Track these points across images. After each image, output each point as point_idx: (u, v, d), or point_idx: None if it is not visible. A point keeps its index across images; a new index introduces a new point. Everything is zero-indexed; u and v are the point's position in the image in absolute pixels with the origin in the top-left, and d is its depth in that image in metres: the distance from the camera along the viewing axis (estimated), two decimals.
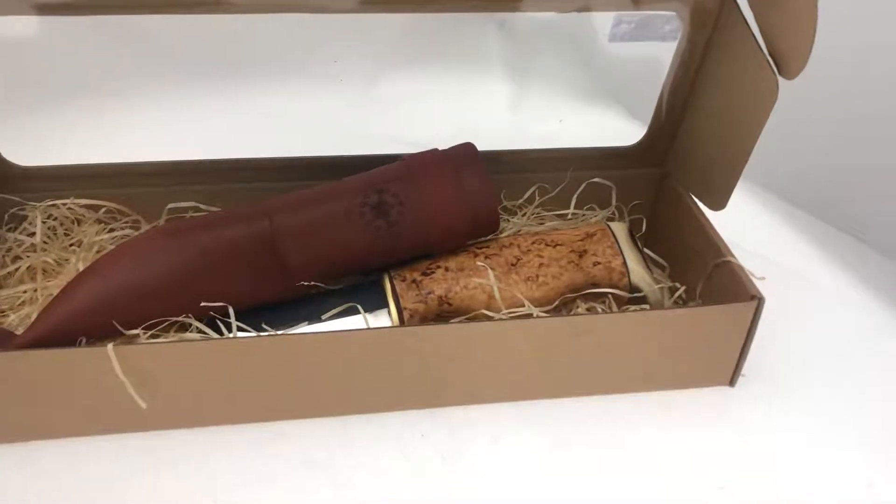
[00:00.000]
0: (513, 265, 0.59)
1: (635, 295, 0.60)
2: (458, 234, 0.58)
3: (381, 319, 0.57)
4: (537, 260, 0.59)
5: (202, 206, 0.64)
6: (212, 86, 0.77)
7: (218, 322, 0.53)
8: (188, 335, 0.53)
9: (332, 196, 0.56)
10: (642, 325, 0.54)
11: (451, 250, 0.59)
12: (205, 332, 0.53)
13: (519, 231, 0.67)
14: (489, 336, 0.52)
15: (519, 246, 0.60)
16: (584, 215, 0.69)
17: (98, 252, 0.61)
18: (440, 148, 0.60)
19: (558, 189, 0.68)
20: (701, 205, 0.64)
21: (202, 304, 0.53)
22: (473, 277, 0.58)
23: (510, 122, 0.93)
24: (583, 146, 0.67)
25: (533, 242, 0.60)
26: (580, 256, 0.60)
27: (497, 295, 0.55)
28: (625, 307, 0.60)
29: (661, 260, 0.65)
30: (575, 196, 0.68)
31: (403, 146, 0.62)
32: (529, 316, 0.56)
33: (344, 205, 0.56)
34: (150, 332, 0.53)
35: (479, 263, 0.58)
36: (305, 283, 0.56)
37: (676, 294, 0.62)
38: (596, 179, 0.67)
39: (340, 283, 0.59)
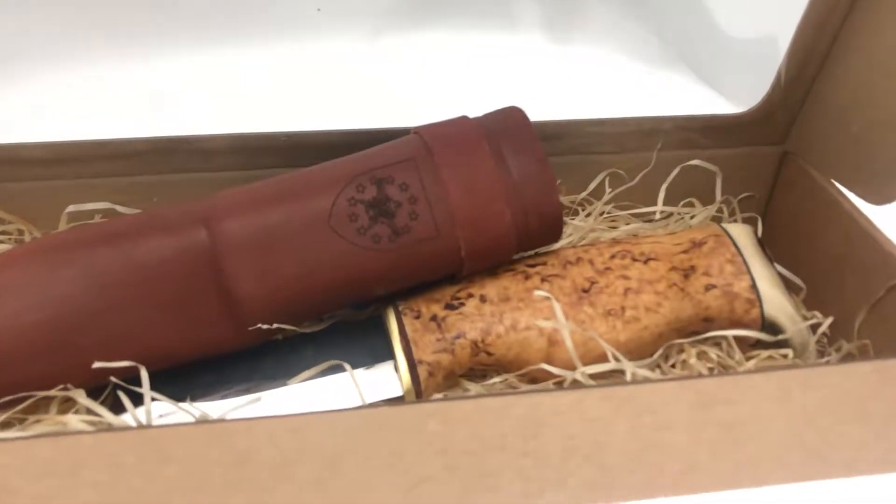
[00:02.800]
0: (585, 291, 0.40)
1: (778, 338, 0.41)
2: (502, 244, 0.39)
3: (384, 378, 0.39)
4: (621, 283, 0.40)
5: (118, 209, 0.45)
6: (137, 33, 0.58)
7: (120, 394, 0.35)
8: (69, 419, 0.34)
9: (305, 190, 0.38)
10: (801, 389, 0.35)
11: (490, 269, 0.41)
12: (96, 413, 0.34)
13: (583, 238, 0.48)
14: (559, 413, 0.33)
15: (592, 262, 0.41)
16: (679, 215, 0.49)
17: None
18: (470, 116, 0.41)
19: (640, 176, 0.49)
20: (853, 197, 0.45)
21: (95, 364, 0.34)
22: (525, 312, 0.39)
23: (555, 88, 0.72)
24: (672, 114, 0.48)
25: (612, 256, 0.41)
26: (685, 277, 0.41)
27: (568, 341, 0.36)
28: (754, 354, 0.41)
29: (796, 279, 0.46)
30: (664, 186, 0.49)
31: (410, 120, 0.44)
32: (620, 376, 0.37)
33: (324, 203, 0.37)
34: (4, 415, 0.34)
35: (539, 291, 0.39)
36: (264, 327, 0.37)
37: (820, 330, 0.43)
38: (695, 162, 0.48)
39: (319, 321, 0.41)
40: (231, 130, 0.45)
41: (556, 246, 0.44)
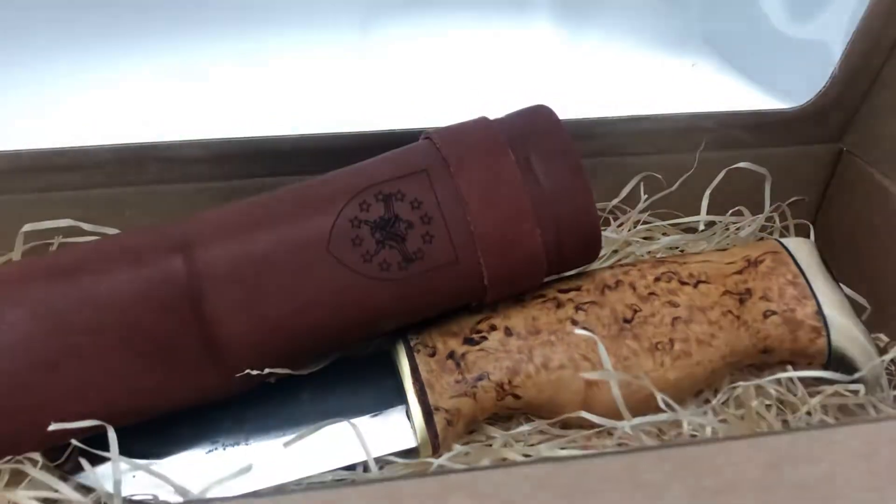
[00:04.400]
0: (627, 322, 0.35)
1: (854, 377, 0.35)
2: (532, 269, 0.34)
3: (394, 427, 0.34)
4: (669, 312, 0.35)
5: (84, 227, 0.39)
6: (98, 24, 0.51)
7: (81, 461, 0.29)
8: (20, 497, 0.29)
9: (299, 209, 0.32)
10: (890, 445, 0.30)
11: (515, 295, 0.35)
12: (51, 487, 0.29)
13: (616, 252, 0.43)
14: (607, 479, 0.28)
15: (634, 286, 0.36)
16: (725, 225, 0.44)
17: None
18: (489, 117, 0.35)
19: (679, 182, 0.43)
20: None
21: (51, 426, 0.29)
22: (559, 348, 0.34)
23: (573, 83, 0.66)
24: (713, 111, 0.43)
25: (657, 279, 0.36)
26: (741, 302, 0.36)
27: (615, 390, 0.31)
28: (818, 390, 0.36)
29: (857, 297, 0.41)
30: (708, 191, 0.43)
31: (416, 123, 0.38)
32: (675, 429, 0.32)
33: (321, 224, 0.32)
34: None
35: (580, 330, 0.33)
36: (253, 372, 0.31)
37: (888, 357, 0.38)
38: (743, 164, 0.43)
39: (317, 362, 0.35)
40: (210, 136, 0.40)
41: (591, 266, 0.39)
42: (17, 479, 0.31)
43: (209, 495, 0.29)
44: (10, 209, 0.39)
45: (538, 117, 0.35)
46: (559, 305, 0.35)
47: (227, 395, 0.33)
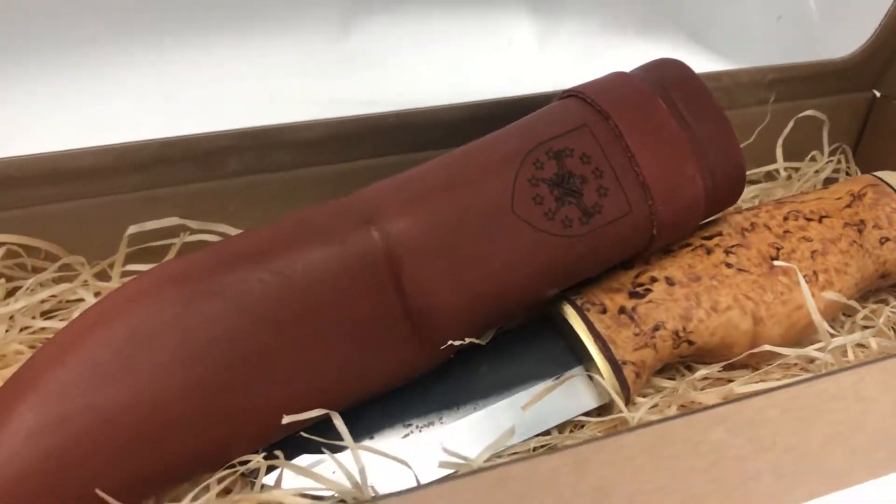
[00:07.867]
0: (773, 260, 0.36)
1: None
2: (693, 214, 0.35)
3: (579, 388, 0.33)
4: (806, 246, 0.37)
5: (191, 225, 0.37)
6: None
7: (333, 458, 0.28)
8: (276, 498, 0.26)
9: (478, 172, 0.32)
10: None
11: (665, 246, 0.36)
12: (312, 478, 0.27)
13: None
14: (837, 397, 0.29)
15: (768, 226, 0.37)
16: (804, 170, 0.47)
17: None
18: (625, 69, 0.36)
19: (756, 134, 0.45)
20: None
21: (286, 418, 0.27)
22: (723, 290, 0.35)
23: (540, 68, 0.71)
24: (773, 64, 0.46)
25: (786, 218, 0.38)
26: (859, 232, 0.38)
27: (815, 314, 0.32)
28: None
29: None
30: (780, 139, 0.46)
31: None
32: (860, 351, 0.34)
33: (503, 185, 0.31)
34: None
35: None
36: (456, 343, 0.30)
37: None
38: (809, 112, 0.46)
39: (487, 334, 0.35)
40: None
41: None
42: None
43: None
44: (107, 210, 0.35)
45: (670, 69, 0.36)
46: (709, 252, 0.36)
47: (427, 371, 0.31)
